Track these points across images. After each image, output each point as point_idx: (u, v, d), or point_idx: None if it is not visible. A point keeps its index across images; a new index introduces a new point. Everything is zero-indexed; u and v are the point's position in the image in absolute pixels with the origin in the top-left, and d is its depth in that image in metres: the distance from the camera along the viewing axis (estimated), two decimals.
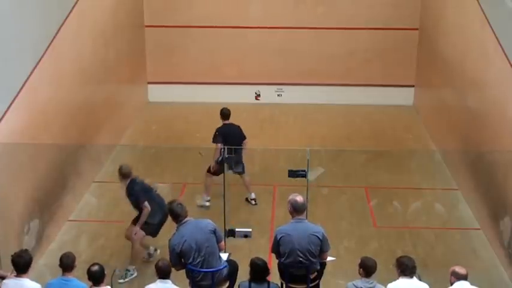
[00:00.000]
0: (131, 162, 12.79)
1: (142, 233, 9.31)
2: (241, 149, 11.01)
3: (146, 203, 9.19)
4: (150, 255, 9.77)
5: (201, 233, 7.63)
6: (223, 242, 7.88)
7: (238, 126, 11.22)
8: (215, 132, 10.99)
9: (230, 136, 10.93)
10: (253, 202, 11.47)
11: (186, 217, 7.73)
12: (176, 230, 7.74)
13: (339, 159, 13.21)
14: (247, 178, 11.36)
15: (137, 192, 9.27)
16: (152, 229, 9.38)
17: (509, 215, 9.51)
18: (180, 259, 7.68)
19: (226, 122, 11.18)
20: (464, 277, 7.07)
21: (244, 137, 11.19)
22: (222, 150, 10.63)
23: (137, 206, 9.34)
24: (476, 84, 11.41)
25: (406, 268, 7.12)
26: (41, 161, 9.89)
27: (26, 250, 7.37)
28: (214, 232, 7.70)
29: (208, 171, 11.08)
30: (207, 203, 11.22)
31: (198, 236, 7.61)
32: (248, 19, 16.14)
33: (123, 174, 9.42)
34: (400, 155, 13.63)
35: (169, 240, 7.75)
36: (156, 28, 16.18)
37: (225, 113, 11.20)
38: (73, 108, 11.26)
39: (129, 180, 9.37)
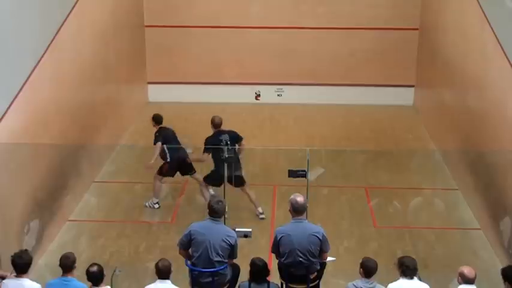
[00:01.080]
0: (131, 162, 12.86)
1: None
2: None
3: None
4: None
5: (220, 240, 7.57)
6: (233, 260, 7.84)
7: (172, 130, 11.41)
8: (156, 134, 11.22)
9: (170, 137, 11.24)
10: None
11: (221, 216, 7.71)
12: (205, 219, 7.73)
13: (339, 159, 13.21)
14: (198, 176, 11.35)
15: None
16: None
17: (509, 215, 9.51)
18: (189, 245, 7.64)
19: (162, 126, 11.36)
20: (471, 281, 7.00)
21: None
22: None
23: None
24: (476, 84, 11.41)
25: (406, 269, 7.10)
26: (41, 161, 9.89)
27: (26, 250, 7.37)
28: (232, 247, 7.64)
29: (159, 173, 11.26)
30: (156, 206, 11.44)
31: (216, 240, 7.55)
32: (248, 19, 16.14)
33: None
34: (400, 155, 13.63)
35: (192, 222, 7.77)
36: (156, 28, 16.18)
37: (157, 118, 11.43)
38: (73, 108, 11.26)
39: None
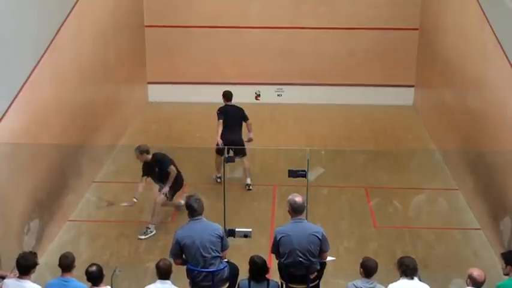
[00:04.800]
0: (131, 162, 12.83)
1: (163, 197, 10.59)
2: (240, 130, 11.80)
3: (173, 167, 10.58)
4: (179, 207, 10.97)
5: (208, 235, 7.62)
6: (226, 252, 7.88)
7: (241, 109, 11.90)
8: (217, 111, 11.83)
9: (230, 116, 11.74)
10: (247, 188, 11.93)
11: (200, 214, 7.74)
12: (186, 224, 7.77)
13: (339, 159, 13.21)
14: (247, 162, 11.85)
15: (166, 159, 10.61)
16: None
17: (509, 215, 9.51)
18: (181, 252, 7.68)
19: (229, 103, 11.95)
20: (479, 284, 6.95)
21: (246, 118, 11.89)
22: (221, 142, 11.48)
23: (163, 174, 10.57)
24: (476, 84, 11.41)
25: (406, 269, 7.09)
26: (41, 160, 9.89)
27: (31, 253, 7.36)
28: (221, 238, 7.69)
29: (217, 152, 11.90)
30: (219, 180, 12.03)
31: (204, 236, 7.60)
32: (248, 19, 16.14)
33: (145, 151, 10.59)
34: (400, 155, 13.63)
35: (176, 231, 7.78)
36: (156, 28, 16.18)
37: (226, 95, 12.05)
38: (73, 108, 11.26)
39: (151, 155, 10.59)
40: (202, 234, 7.61)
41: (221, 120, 11.64)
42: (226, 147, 10.93)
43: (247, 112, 11.92)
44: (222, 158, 11.27)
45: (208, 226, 7.72)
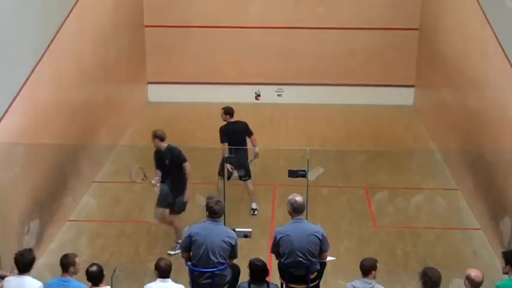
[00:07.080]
0: (131, 162, 12.84)
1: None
2: (245, 149, 10.85)
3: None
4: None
5: (221, 240, 7.58)
6: (233, 260, 7.85)
7: (244, 123, 11.05)
8: (219, 132, 10.85)
9: (234, 134, 10.79)
10: (252, 212, 11.16)
11: (220, 217, 7.71)
12: (204, 221, 7.73)
13: (339, 159, 13.21)
14: (250, 185, 11.10)
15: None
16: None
17: (509, 215, 9.51)
18: (190, 247, 7.66)
19: (231, 120, 10.97)
20: (477, 285, 6.95)
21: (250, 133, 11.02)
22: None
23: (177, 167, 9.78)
24: (476, 84, 11.41)
25: (428, 281, 6.95)
26: (41, 161, 9.89)
27: (30, 250, 7.37)
28: (232, 247, 7.65)
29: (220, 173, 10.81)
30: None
31: (216, 240, 7.56)
32: (248, 19, 16.16)
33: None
34: (400, 155, 13.64)
35: (191, 225, 7.81)
36: (156, 28, 16.19)
37: (228, 111, 10.97)
38: (73, 108, 11.26)
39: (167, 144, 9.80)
40: (215, 237, 7.56)
41: (226, 143, 10.66)
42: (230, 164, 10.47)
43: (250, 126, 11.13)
44: (222, 181, 10.51)
45: (224, 231, 7.67)
